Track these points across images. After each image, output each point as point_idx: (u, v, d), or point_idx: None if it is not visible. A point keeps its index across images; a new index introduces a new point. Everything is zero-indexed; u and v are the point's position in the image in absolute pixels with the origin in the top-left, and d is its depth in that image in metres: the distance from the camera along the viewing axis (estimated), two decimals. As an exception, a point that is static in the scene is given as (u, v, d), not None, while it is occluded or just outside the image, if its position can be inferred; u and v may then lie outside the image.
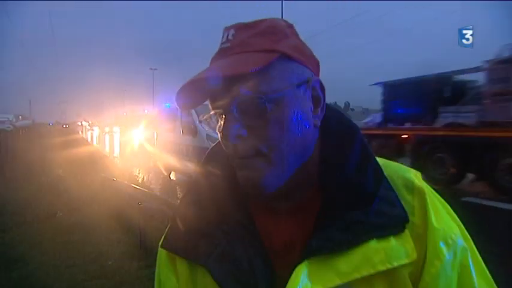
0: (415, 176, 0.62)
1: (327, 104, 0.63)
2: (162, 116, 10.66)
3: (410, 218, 0.56)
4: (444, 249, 0.55)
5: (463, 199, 6.78)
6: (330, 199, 0.58)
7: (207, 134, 7.72)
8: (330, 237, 0.55)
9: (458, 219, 0.61)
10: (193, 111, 8.32)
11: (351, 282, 0.53)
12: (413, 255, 0.54)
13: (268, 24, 0.58)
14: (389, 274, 0.53)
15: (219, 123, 0.58)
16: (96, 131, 29.87)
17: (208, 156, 0.70)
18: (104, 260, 3.89)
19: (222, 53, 0.58)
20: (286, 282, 0.55)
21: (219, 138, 0.61)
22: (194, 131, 8.16)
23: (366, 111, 44.93)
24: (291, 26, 0.61)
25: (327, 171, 0.60)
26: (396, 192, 0.58)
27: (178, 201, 0.71)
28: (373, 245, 0.54)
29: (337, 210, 0.57)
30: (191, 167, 8.10)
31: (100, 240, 4.43)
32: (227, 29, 0.59)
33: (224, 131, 0.57)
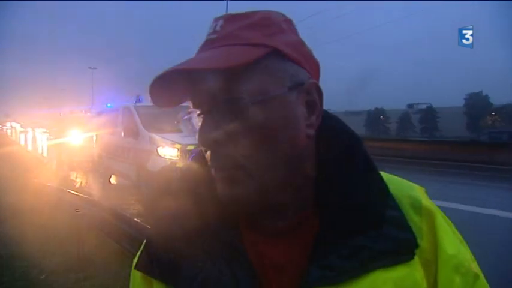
0: (421, 194, 0.56)
1: (325, 111, 0.56)
2: (101, 117, 10.16)
3: (419, 242, 0.51)
4: (458, 278, 0.51)
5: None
6: (329, 221, 0.51)
7: (150, 136, 7.44)
8: (332, 266, 0.48)
9: (463, 239, 0.56)
10: (134, 111, 8.02)
11: None
12: (424, 285, 0.49)
13: (262, 16, 0.52)
14: None
15: (197, 124, 0.51)
16: (30, 133, 27.77)
17: (191, 163, 0.60)
18: (36, 274, 3.56)
19: (207, 45, 0.51)
20: None
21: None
22: (136, 133, 7.83)
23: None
24: (288, 21, 0.54)
25: (325, 189, 0.53)
26: (403, 213, 0.52)
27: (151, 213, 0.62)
28: (380, 274, 0.48)
29: (339, 234, 0.50)
30: (132, 170, 7.78)
31: (31, 252, 4.05)
32: (216, 19, 0.53)
33: (199, 134, 0.50)
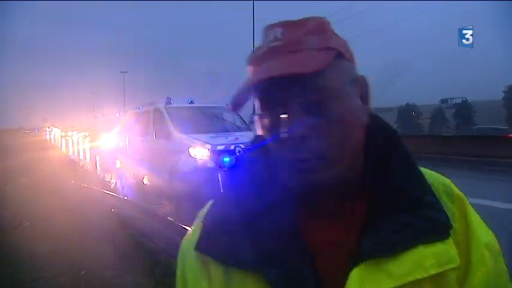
0: (452, 184, 0.64)
1: None
2: (133, 120, 10.40)
3: (452, 224, 0.57)
4: (488, 255, 0.58)
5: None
6: (377, 202, 0.58)
7: (180, 137, 7.57)
8: (382, 240, 0.54)
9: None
10: (165, 113, 8.17)
11: (403, 286, 0.53)
12: (458, 261, 0.55)
13: (317, 22, 0.58)
14: (438, 278, 0.54)
15: (272, 124, 0.57)
16: (73, 136, 28.76)
17: (245, 157, 0.66)
18: (76, 270, 3.70)
19: (274, 51, 0.56)
20: (334, 285, 0.55)
21: (268, 139, 0.58)
22: (167, 135, 7.99)
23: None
24: (330, 24, 0.61)
25: (373, 175, 0.59)
26: (439, 199, 0.59)
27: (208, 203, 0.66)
28: (423, 249, 0.54)
29: (386, 212, 0.56)
30: (164, 171, 7.94)
31: (71, 250, 4.21)
32: (271, 27, 0.58)
33: (285, 130, 0.55)
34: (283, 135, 0.55)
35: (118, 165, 11.53)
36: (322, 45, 0.56)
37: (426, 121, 66.87)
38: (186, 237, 0.67)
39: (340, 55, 0.57)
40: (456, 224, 0.58)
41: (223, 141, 7.45)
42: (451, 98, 71.05)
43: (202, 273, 0.60)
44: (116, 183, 9.66)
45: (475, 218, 0.61)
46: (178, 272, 0.65)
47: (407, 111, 69.12)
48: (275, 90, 0.55)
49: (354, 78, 0.59)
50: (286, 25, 0.57)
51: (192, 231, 0.65)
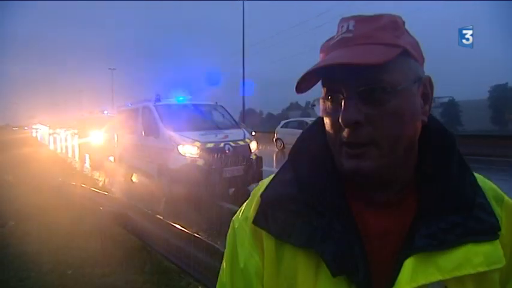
0: (500, 190, 0.67)
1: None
2: (122, 117, 10.30)
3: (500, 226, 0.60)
4: None
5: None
6: (430, 199, 0.60)
7: (170, 135, 7.52)
8: (434, 236, 0.57)
9: None
10: (154, 110, 8.11)
11: (448, 280, 0.56)
12: (503, 262, 0.58)
13: (390, 19, 0.61)
14: (482, 276, 0.57)
15: (332, 108, 0.60)
16: (61, 134, 28.21)
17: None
18: (63, 269, 3.66)
19: (344, 42, 0.60)
20: (382, 270, 0.59)
21: (326, 123, 0.62)
22: (156, 132, 7.93)
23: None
24: (404, 23, 0.63)
25: (428, 175, 0.62)
26: (489, 202, 0.62)
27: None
28: (472, 247, 0.57)
29: (438, 211, 0.59)
30: (153, 168, 7.89)
31: (58, 248, 4.17)
32: (346, 19, 0.61)
33: (343, 115, 0.57)
34: (342, 118, 0.58)
35: (106, 162, 11.42)
36: (391, 41, 0.58)
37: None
38: (237, 215, 0.71)
39: (407, 53, 0.59)
40: (502, 228, 0.60)
41: (212, 138, 7.43)
42: (439, 97, 71.86)
43: (255, 247, 0.65)
44: (104, 181, 9.57)
45: None
46: (228, 247, 0.70)
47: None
48: (338, 77, 0.58)
49: (418, 77, 0.61)
50: (360, 19, 0.61)
51: (245, 208, 0.70)
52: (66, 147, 20.89)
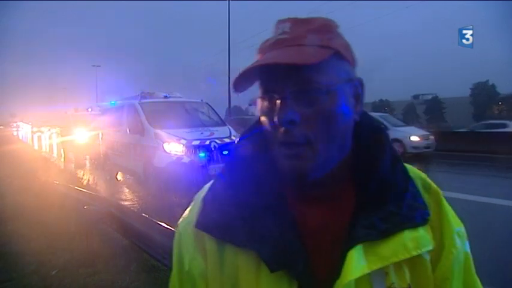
0: (428, 178, 0.71)
1: None
2: (107, 115, 10.18)
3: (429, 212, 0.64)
4: (457, 239, 0.66)
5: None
6: (366, 192, 0.64)
7: (155, 132, 7.47)
8: (373, 226, 0.61)
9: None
10: (139, 108, 8.04)
11: (388, 266, 0.60)
12: (433, 244, 0.63)
13: (322, 22, 0.64)
14: (415, 259, 0.61)
15: (268, 108, 0.62)
16: (45, 133, 27.62)
17: (244, 139, 0.72)
18: (46, 270, 3.60)
19: (279, 43, 0.62)
20: (324, 263, 0.62)
21: (264, 123, 0.64)
22: (141, 130, 7.86)
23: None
24: (338, 27, 0.66)
25: (363, 167, 0.66)
26: (419, 190, 0.66)
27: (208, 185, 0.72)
28: (407, 234, 0.61)
29: (375, 202, 0.63)
30: (139, 166, 7.82)
31: (41, 249, 4.10)
32: (282, 21, 0.64)
33: (278, 114, 0.59)
34: (278, 117, 0.59)
35: (90, 161, 11.26)
36: (323, 43, 0.61)
37: (399, 116, 68.49)
38: (182, 218, 0.73)
39: (340, 55, 0.62)
40: (431, 213, 0.65)
41: (198, 136, 7.41)
42: (422, 94, 72.93)
43: (198, 250, 0.67)
44: (88, 179, 9.44)
45: (448, 209, 0.69)
46: (175, 251, 0.72)
47: (380, 107, 70.64)
48: (273, 77, 0.60)
49: (350, 78, 0.64)
50: (295, 21, 0.63)
51: (189, 212, 0.72)
52: (50, 146, 20.53)
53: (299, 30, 0.62)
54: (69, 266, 3.65)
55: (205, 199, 0.68)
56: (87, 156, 11.96)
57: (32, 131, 33.46)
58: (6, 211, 5.58)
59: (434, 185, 0.70)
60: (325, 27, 0.63)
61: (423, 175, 0.71)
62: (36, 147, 22.51)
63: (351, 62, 0.66)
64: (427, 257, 0.63)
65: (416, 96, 73.77)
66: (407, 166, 0.70)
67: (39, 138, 26.44)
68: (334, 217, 0.65)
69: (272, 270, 0.60)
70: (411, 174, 0.68)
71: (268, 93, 0.62)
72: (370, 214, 0.62)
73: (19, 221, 5.12)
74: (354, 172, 0.67)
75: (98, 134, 10.55)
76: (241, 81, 0.62)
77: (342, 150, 0.64)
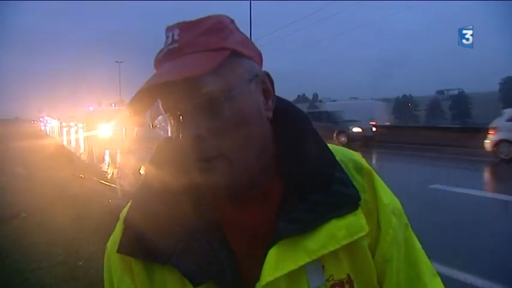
0: (361, 159, 0.68)
1: (276, 96, 0.64)
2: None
3: (362, 195, 0.62)
4: (393, 218, 0.64)
5: (431, 186, 6.99)
6: (291, 185, 0.61)
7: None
8: (297, 219, 0.57)
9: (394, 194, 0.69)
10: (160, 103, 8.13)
11: (320, 258, 0.57)
12: (367, 228, 0.60)
13: (214, 21, 0.58)
14: (351, 246, 0.59)
15: (173, 126, 0.58)
16: (72, 128, 28.41)
17: (157, 155, 0.68)
18: (73, 261, 3.72)
19: (170, 54, 0.57)
20: (251, 269, 0.58)
21: (172, 141, 0.61)
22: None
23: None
24: (233, 21, 0.61)
25: (286, 160, 0.62)
26: (348, 174, 0.63)
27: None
28: (335, 222, 0.58)
29: (300, 194, 0.59)
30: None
31: (68, 240, 4.24)
32: (170, 28, 0.58)
33: (183, 132, 0.56)
34: (183, 135, 0.56)
35: (114, 155, 11.51)
36: (217, 45, 0.56)
37: (423, 112, 66.92)
38: (110, 238, 0.68)
39: (237, 54, 0.57)
40: (366, 195, 0.63)
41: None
42: (448, 90, 70.95)
43: (125, 271, 0.63)
44: (113, 173, 9.66)
45: (382, 188, 0.65)
46: (105, 271, 0.68)
47: (403, 103, 69.16)
48: (171, 93, 0.55)
49: (254, 75, 0.59)
50: (182, 26, 0.57)
51: (115, 231, 0.67)
52: (77, 140, 21.09)
53: (188, 36, 0.56)
54: (94, 258, 3.75)
55: (126, 220, 0.64)
56: (111, 151, 12.22)
57: (61, 126, 34.41)
58: (35, 203, 5.78)
59: (366, 165, 0.67)
60: (217, 26, 0.58)
61: (356, 156, 0.68)
62: (64, 142, 23.16)
63: (253, 56, 0.60)
64: (365, 243, 0.60)
65: (440, 92, 71.87)
66: (337, 148, 0.67)
67: (67, 132, 27.19)
68: (265, 216, 0.61)
69: (195, 285, 0.56)
70: (341, 157, 0.65)
71: (169, 111, 0.57)
72: (295, 207, 0.58)
73: (46, 212, 5.29)
74: (281, 164, 0.63)
75: (122, 129, 10.76)
76: (137, 104, 0.57)
77: (260, 154, 0.60)
